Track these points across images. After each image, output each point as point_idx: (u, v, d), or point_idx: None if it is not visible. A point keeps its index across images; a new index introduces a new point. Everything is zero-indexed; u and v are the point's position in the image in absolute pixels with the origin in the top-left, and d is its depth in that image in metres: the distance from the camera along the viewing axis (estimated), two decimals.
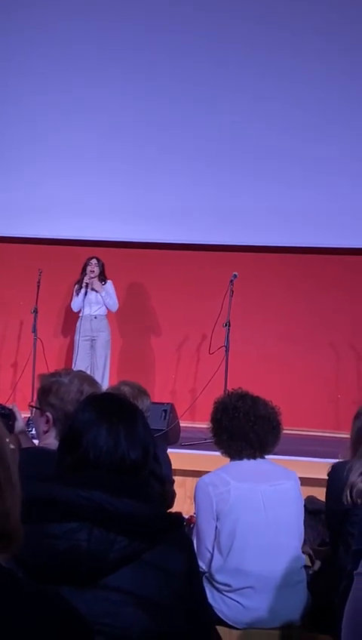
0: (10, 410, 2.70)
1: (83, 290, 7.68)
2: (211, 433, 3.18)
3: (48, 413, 2.47)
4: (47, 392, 2.48)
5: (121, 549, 1.65)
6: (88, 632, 1.22)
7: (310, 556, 3.43)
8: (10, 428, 2.66)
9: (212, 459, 4.84)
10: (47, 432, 2.47)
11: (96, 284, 7.68)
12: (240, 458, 3.08)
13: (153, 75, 8.23)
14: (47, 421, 2.47)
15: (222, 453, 3.16)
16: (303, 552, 3.14)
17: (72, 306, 7.87)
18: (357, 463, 2.80)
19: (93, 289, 7.67)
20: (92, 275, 7.72)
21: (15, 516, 1.21)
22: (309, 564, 3.33)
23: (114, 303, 7.77)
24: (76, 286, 7.82)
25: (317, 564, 3.35)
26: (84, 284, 7.67)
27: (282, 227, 8.02)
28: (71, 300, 7.91)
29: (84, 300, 7.67)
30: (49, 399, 2.47)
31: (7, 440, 1.24)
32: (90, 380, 2.57)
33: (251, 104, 8.08)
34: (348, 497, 2.76)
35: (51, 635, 1.14)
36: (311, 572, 3.22)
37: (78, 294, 7.76)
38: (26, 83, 8.39)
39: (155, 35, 8.23)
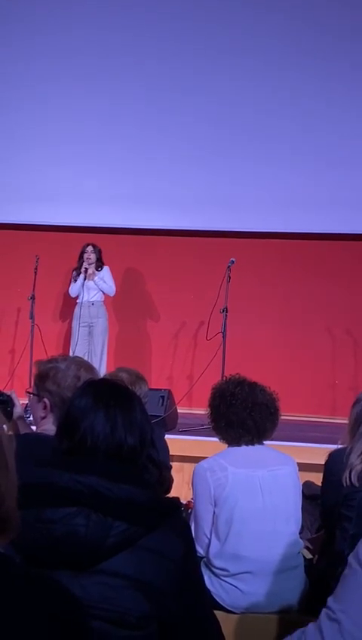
0: (9, 396, 2.70)
1: (82, 276, 7.68)
2: (209, 419, 3.18)
3: (46, 399, 2.47)
4: (44, 378, 2.49)
5: (119, 534, 1.65)
6: (83, 616, 1.23)
7: (308, 549, 3.44)
8: (9, 414, 2.67)
9: (210, 445, 4.85)
10: (44, 417, 2.48)
11: (90, 271, 7.67)
12: (238, 444, 3.08)
13: (153, 60, 8.19)
14: (45, 407, 2.47)
15: (220, 439, 3.17)
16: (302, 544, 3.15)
17: (69, 292, 7.88)
18: (357, 445, 2.80)
19: (90, 275, 7.66)
20: (89, 262, 7.71)
21: (11, 502, 1.21)
22: (309, 555, 3.34)
23: (109, 288, 7.76)
24: (74, 272, 7.82)
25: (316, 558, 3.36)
26: (83, 270, 7.67)
27: (280, 213, 8.01)
28: (69, 286, 7.91)
29: (83, 287, 7.67)
30: (46, 385, 2.47)
31: (4, 426, 1.24)
32: (87, 366, 2.57)
33: (251, 89, 8.05)
34: (348, 479, 2.77)
35: (46, 620, 1.15)
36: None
37: (75, 280, 7.76)
38: (26, 71, 8.34)
39: (157, 23, 8.18)
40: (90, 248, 7.75)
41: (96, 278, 7.68)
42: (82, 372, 2.49)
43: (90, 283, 7.67)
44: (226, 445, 3.16)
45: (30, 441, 2.33)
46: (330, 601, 1.64)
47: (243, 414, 3.05)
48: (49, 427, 2.45)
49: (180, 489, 4.71)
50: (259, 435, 3.08)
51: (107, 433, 1.78)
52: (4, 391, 2.73)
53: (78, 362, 2.59)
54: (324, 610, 1.64)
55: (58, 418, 2.39)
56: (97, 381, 2.03)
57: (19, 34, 8.35)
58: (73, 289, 7.80)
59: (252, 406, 3.06)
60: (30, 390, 2.58)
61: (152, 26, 8.19)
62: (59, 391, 2.45)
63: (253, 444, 3.07)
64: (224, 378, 3.35)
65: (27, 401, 2.92)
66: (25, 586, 1.16)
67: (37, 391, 2.52)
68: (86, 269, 7.65)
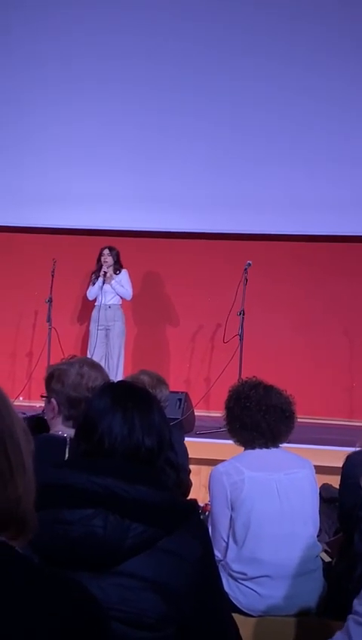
0: (41, 417, 2.68)
1: (100, 280, 7.68)
2: (224, 421, 3.18)
3: (53, 400, 2.49)
4: (50, 380, 2.52)
5: (137, 536, 1.65)
6: (104, 617, 1.23)
7: (327, 552, 3.43)
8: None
9: (227, 447, 4.84)
10: (53, 418, 2.50)
11: (108, 274, 7.68)
12: (253, 447, 3.08)
13: (166, 63, 8.20)
14: (53, 408, 2.49)
15: (234, 441, 3.16)
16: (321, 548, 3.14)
17: (87, 295, 7.89)
18: None
19: (108, 279, 7.66)
20: (107, 265, 7.72)
21: (28, 503, 1.21)
22: (328, 558, 3.33)
23: (126, 292, 7.77)
24: (93, 275, 7.83)
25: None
26: (101, 273, 7.67)
27: (297, 215, 7.99)
28: (87, 289, 7.92)
29: (101, 289, 7.67)
30: (52, 385, 2.51)
31: (23, 427, 1.25)
32: (91, 363, 2.59)
33: (263, 90, 8.04)
34: None
35: (67, 621, 1.15)
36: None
37: (94, 283, 7.77)
38: (38, 74, 8.38)
39: (165, 24, 8.20)
40: (107, 251, 7.77)
41: (113, 281, 7.68)
42: (85, 369, 2.50)
43: (107, 286, 7.68)
44: (242, 448, 3.15)
45: (44, 442, 2.34)
46: (356, 604, 1.63)
47: (256, 417, 3.05)
48: (59, 428, 2.47)
49: (197, 492, 4.70)
50: (273, 439, 3.07)
51: (125, 435, 1.78)
52: (36, 415, 2.73)
53: (81, 360, 2.62)
54: (351, 616, 1.63)
55: (66, 417, 2.42)
56: (115, 383, 2.04)
57: (28, 35, 8.38)
58: (91, 292, 7.81)
59: (266, 409, 3.05)
60: (44, 394, 2.61)
61: (160, 27, 8.20)
62: (63, 389, 2.47)
63: (267, 447, 3.06)
64: (241, 380, 3.35)
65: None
66: (44, 586, 1.17)
67: (47, 393, 2.55)
68: (105, 273, 7.66)
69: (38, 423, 2.66)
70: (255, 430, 3.05)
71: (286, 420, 3.10)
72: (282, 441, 3.11)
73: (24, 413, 2.75)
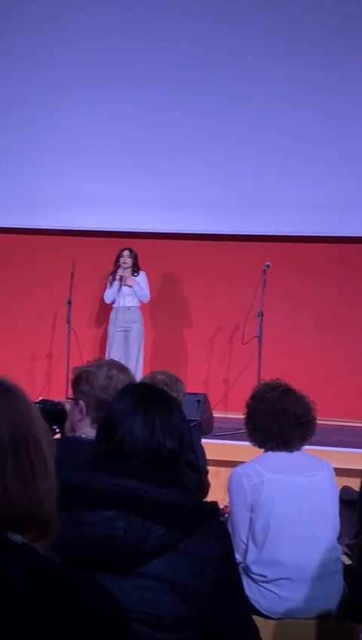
0: (63, 407, 2.66)
1: (117, 284, 7.68)
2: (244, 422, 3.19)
3: (81, 402, 2.49)
4: (78, 382, 2.51)
5: (158, 538, 1.66)
6: (125, 619, 1.23)
7: (347, 555, 3.41)
8: (61, 426, 2.64)
9: (246, 449, 4.83)
10: (81, 420, 2.49)
11: (129, 279, 7.67)
12: (264, 448, 3.07)
13: (184, 63, 8.21)
14: (81, 410, 2.48)
15: (249, 442, 3.16)
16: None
17: (104, 298, 7.89)
18: None
19: (125, 284, 7.66)
20: (125, 267, 7.73)
21: (49, 504, 1.22)
22: (348, 561, 3.31)
23: (145, 295, 7.77)
24: (110, 277, 7.83)
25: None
26: (118, 277, 7.67)
27: (316, 216, 7.96)
28: (104, 291, 7.93)
29: (118, 293, 7.67)
30: (80, 387, 2.49)
31: (45, 430, 1.25)
32: (119, 366, 2.58)
33: (284, 92, 8.03)
34: None
35: (88, 622, 1.15)
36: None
37: (111, 286, 7.77)
38: (57, 77, 8.41)
39: (184, 26, 8.21)
40: (126, 253, 7.77)
41: (136, 286, 7.66)
42: (114, 372, 2.50)
43: (126, 288, 7.68)
44: (261, 450, 3.15)
45: (68, 445, 2.34)
46: None
47: (268, 420, 3.03)
48: (86, 430, 2.46)
49: (216, 494, 4.69)
50: (285, 443, 3.03)
51: (145, 437, 1.78)
52: (58, 402, 2.70)
53: (109, 363, 2.60)
54: None
55: (93, 420, 2.41)
56: (136, 385, 2.04)
57: (42, 37, 8.41)
58: (108, 295, 7.81)
59: (279, 412, 3.03)
60: (70, 397, 2.60)
61: (177, 29, 8.20)
62: (92, 391, 2.46)
63: (279, 450, 3.04)
64: (263, 381, 3.33)
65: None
66: (65, 587, 1.17)
67: (73, 395, 2.54)
68: (121, 277, 7.65)
69: (57, 416, 2.65)
70: (266, 432, 3.04)
71: (301, 427, 3.05)
72: (296, 446, 3.06)
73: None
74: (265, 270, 7.08)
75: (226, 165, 8.15)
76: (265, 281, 7.05)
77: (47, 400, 2.72)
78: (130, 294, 7.71)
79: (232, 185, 8.10)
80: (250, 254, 8.04)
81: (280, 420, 3.01)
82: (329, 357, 7.96)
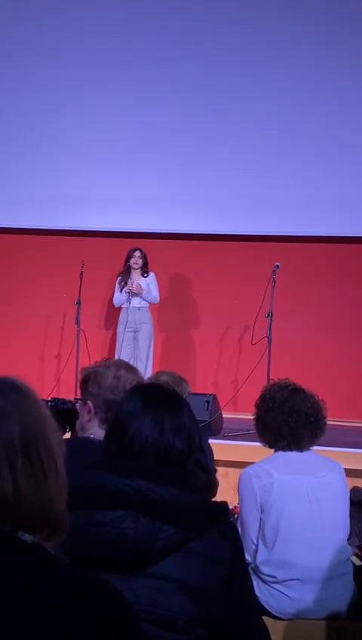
0: (74, 405, 2.67)
1: (125, 295, 7.66)
2: (253, 421, 3.18)
3: (89, 402, 2.49)
4: (86, 382, 2.51)
5: (167, 538, 1.66)
6: (134, 619, 1.23)
7: (357, 555, 3.40)
8: (72, 425, 2.64)
9: (255, 450, 4.83)
10: (89, 421, 2.49)
11: (136, 287, 7.65)
12: (275, 448, 3.06)
13: (196, 64, 8.20)
14: (89, 410, 2.49)
15: (260, 442, 3.15)
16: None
17: (113, 302, 7.89)
18: None
19: (135, 295, 7.65)
20: (135, 267, 7.72)
21: (60, 505, 1.22)
22: (358, 562, 3.30)
23: (154, 298, 7.77)
24: (119, 278, 7.83)
25: None
26: (126, 290, 7.64)
27: (325, 217, 7.95)
28: (113, 293, 7.93)
29: (129, 301, 7.65)
30: (88, 388, 2.50)
31: (55, 430, 1.26)
32: (127, 366, 2.58)
33: (289, 93, 8.02)
34: None
35: (98, 623, 1.15)
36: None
37: (120, 290, 7.76)
38: (67, 76, 8.42)
39: (201, 29, 8.21)
40: (137, 253, 7.77)
41: (142, 291, 7.64)
42: (122, 372, 2.50)
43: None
44: (271, 450, 3.14)
45: (77, 445, 2.34)
46: None
47: (278, 419, 3.03)
48: (95, 431, 2.46)
49: (226, 494, 4.70)
50: (295, 442, 3.03)
51: (155, 437, 1.78)
52: (69, 400, 2.71)
53: (117, 363, 2.61)
54: None
55: (102, 420, 2.41)
56: (145, 385, 2.04)
57: (59, 34, 8.42)
58: (117, 300, 7.80)
59: (288, 412, 3.03)
60: (79, 397, 2.60)
61: (190, 31, 8.20)
62: (100, 392, 2.47)
63: (290, 449, 3.04)
64: (272, 381, 3.33)
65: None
66: (75, 587, 1.17)
67: (82, 396, 2.54)
68: (129, 291, 7.63)
69: (68, 415, 2.65)
70: (276, 432, 3.03)
71: (311, 426, 3.05)
72: (306, 445, 3.07)
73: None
74: (274, 270, 7.06)
75: (235, 166, 8.14)
76: (274, 282, 7.04)
77: (57, 399, 2.73)
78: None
79: (242, 185, 8.10)
80: (259, 255, 8.03)
81: (290, 420, 3.01)
82: (339, 357, 7.94)
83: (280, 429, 3.02)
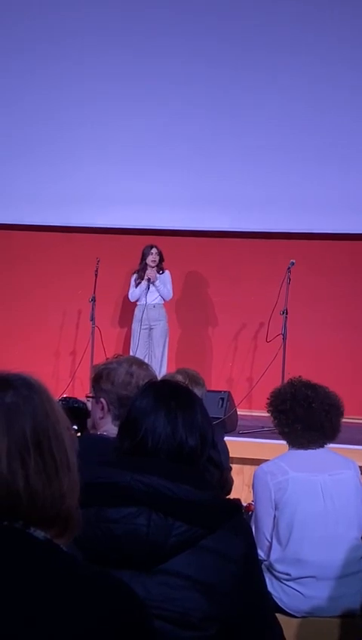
0: (84, 404, 2.67)
1: (144, 284, 7.67)
2: (281, 423, 3.15)
3: (102, 399, 2.49)
4: (98, 379, 2.51)
5: (180, 535, 1.66)
6: (147, 616, 1.23)
7: None
8: (82, 424, 2.65)
9: (269, 447, 4.83)
10: (102, 418, 2.49)
11: (153, 273, 7.68)
12: (291, 436, 3.06)
13: (213, 60, 8.18)
14: (102, 408, 2.49)
15: (289, 442, 3.14)
16: None
17: (129, 296, 7.89)
18: None
19: (152, 282, 7.66)
20: (152, 265, 7.73)
21: (72, 501, 1.22)
22: None
23: (168, 292, 7.77)
24: (135, 275, 7.83)
25: None
26: (146, 278, 7.66)
27: (340, 214, 7.92)
28: (129, 290, 7.93)
29: (146, 293, 7.66)
30: (101, 385, 2.50)
31: (67, 426, 1.26)
32: (139, 362, 2.58)
33: (314, 89, 7.98)
34: None
35: (110, 619, 1.15)
36: None
37: (136, 285, 7.77)
38: (78, 71, 8.42)
39: (221, 24, 8.19)
40: (155, 250, 7.76)
41: (157, 282, 7.67)
42: (134, 368, 2.50)
43: (151, 287, 7.68)
44: (286, 448, 3.14)
45: (91, 442, 2.34)
46: None
47: (321, 417, 3.03)
48: (108, 428, 2.46)
49: (240, 491, 4.70)
50: (333, 437, 3.04)
51: (168, 434, 1.78)
52: (80, 399, 2.72)
53: (129, 359, 2.61)
54: None
55: (115, 417, 2.42)
56: (158, 382, 2.04)
57: (70, 29, 8.43)
58: (133, 294, 7.80)
59: (328, 408, 3.04)
60: (90, 395, 2.60)
61: (211, 26, 8.18)
62: (113, 388, 2.47)
63: (306, 435, 3.02)
64: (289, 382, 3.29)
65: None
66: (88, 584, 1.17)
67: (94, 393, 2.55)
68: (149, 279, 7.65)
69: (78, 414, 2.66)
70: (317, 430, 3.03)
71: (341, 417, 3.10)
72: (323, 439, 3.09)
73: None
74: (289, 268, 7.05)
75: (251, 163, 8.11)
76: (289, 279, 7.02)
77: (69, 398, 2.74)
78: (155, 291, 7.71)
79: (258, 183, 8.07)
80: (274, 252, 8.01)
81: (330, 415, 3.02)
82: (354, 355, 7.91)
83: (323, 426, 3.03)
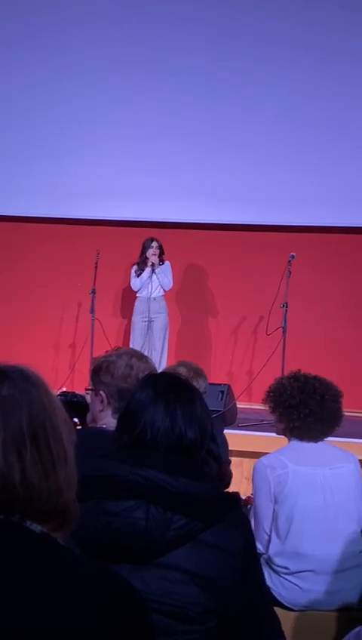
0: (84, 398, 2.66)
1: (148, 270, 7.66)
2: (292, 416, 3.14)
3: (102, 392, 2.48)
4: (98, 372, 2.50)
5: (179, 529, 1.65)
6: (146, 611, 1.22)
7: None
8: (82, 418, 2.64)
9: (269, 440, 4.83)
10: (102, 410, 2.48)
11: (155, 259, 7.67)
12: (292, 423, 3.05)
13: (215, 53, 8.16)
14: (102, 400, 2.48)
15: (296, 435, 3.12)
16: None
17: (131, 286, 7.87)
18: None
19: (154, 267, 7.66)
20: (154, 257, 7.71)
21: (69, 494, 1.21)
22: None
23: (168, 282, 7.76)
24: (135, 267, 7.82)
25: None
26: (149, 264, 7.64)
27: (341, 207, 7.91)
28: (130, 281, 7.91)
29: (150, 282, 7.64)
30: (101, 378, 2.49)
31: (65, 419, 1.25)
32: (139, 355, 2.57)
33: (322, 84, 7.96)
34: None
35: (108, 613, 1.14)
36: None
37: (138, 275, 7.75)
38: (79, 63, 8.40)
39: (216, 16, 8.16)
40: (155, 243, 7.75)
41: (158, 269, 7.67)
42: (134, 361, 2.49)
43: (154, 276, 7.67)
44: (286, 441, 3.13)
45: (90, 435, 2.33)
46: None
47: (333, 407, 3.04)
48: (108, 421, 2.45)
49: (239, 484, 4.70)
50: (331, 421, 3.06)
51: (167, 427, 1.78)
52: (79, 393, 2.71)
53: (129, 352, 2.60)
54: None
55: (115, 410, 2.41)
56: (157, 375, 2.03)
57: (77, 26, 8.41)
58: (136, 283, 7.77)
59: (305, 399, 3.04)
60: (89, 387, 2.59)
61: (215, 19, 8.16)
62: (113, 381, 2.46)
63: (305, 421, 3.02)
64: (295, 375, 3.27)
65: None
66: (85, 577, 1.17)
67: (93, 385, 2.54)
68: (153, 263, 7.64)
69: (78, 408, 2.65)
70: (329, 420, 3.03)
71: (327, 415, 3.09)
72: (323, 431, 3.09)
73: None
74: (289, 261, 7.04)
75: (251, 156, 8.09)
76: (289, 272, 7.02)
77: (67, 392, 2.73)
78: (156, 283, 7.68)
79: (258, 175, 8.05)
80: (274, 245, 8.00)
81: (321, 404, 3.01)
82: (354, 348, 7.91)
83: (335, 417, 3.03)
